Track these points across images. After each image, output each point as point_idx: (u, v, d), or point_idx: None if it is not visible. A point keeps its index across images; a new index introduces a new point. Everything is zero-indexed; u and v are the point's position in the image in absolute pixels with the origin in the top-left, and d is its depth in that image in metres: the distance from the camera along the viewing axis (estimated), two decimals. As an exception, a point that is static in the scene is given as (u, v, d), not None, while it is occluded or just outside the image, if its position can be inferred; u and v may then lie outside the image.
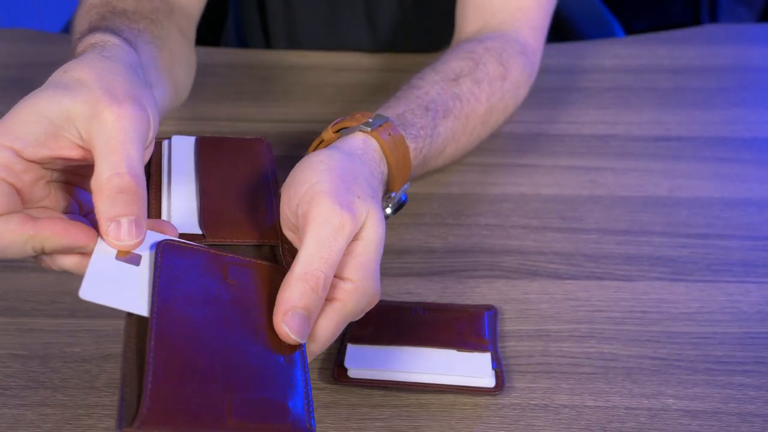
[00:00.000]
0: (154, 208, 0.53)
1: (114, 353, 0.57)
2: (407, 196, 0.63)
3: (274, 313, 0.46)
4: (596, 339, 0.58)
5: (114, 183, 0.44)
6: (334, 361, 0.55)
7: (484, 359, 0.55)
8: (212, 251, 0.49)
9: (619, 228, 0.68)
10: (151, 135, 0.48)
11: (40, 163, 0.46)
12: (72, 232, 0.45)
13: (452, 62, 0.70)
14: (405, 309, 0.59)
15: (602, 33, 1.11)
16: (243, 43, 1.07)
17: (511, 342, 0.58)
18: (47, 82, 0.48)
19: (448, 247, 0.66)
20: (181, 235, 0.50)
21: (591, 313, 0.60)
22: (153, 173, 0.56)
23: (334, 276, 0.48)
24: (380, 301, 0.51)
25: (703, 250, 0.66)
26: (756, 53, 0.95)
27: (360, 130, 0.58)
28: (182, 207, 0.53)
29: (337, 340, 0.52)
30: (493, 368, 0.54)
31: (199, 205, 0.54)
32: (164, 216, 0.53)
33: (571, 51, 0.94)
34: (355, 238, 0.49)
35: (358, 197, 0.50)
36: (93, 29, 0.58)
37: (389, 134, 0.58)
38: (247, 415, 0.41)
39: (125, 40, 0.57)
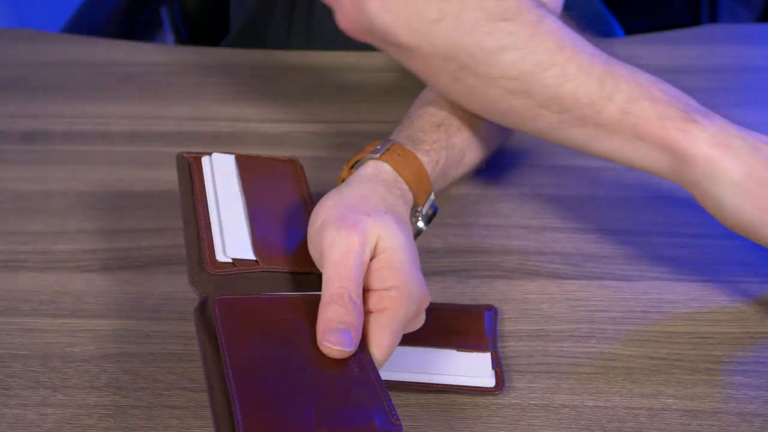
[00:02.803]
0: (204, 228, 0.56)
1: (114, 353, 0.57)
2: (437, 207, 0.64)
3: (317, 340, 0.48)
4: (596, 339, 0.58)
5: None
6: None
7: (484, 359, 0.55)
8: (262, 296, 0.51)
9: (619, 228, 0.68)
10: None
11: None
12: None
13: None
14: (405, 309, 0.59)
15: (602, 33, 1.11)
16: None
17: (511, 342, 0.58)
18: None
19: (448, 247, 0.66)
20: (235, 260, 0.54)
21: (591, 313, 0.60)
22: (197, 191, 0.58)
23: (379, 290, 0.50)
24: None
25: (703, 250, 0.66)
26: (756, 53, 0.95)
27: (370, 159, 0.59)
28: (234, 230, 0.56)
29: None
30: (493, 368, 0.54)
31: (250, 230, 0.56)
32: (216, 238, 0.55)
33: (571, 51, 0.94)
34: (377, 253, 0.51)
35: (367, 215, 0.52)
36: None
37: (398, 154, 0.60)
38: (336, 425, 0.43)
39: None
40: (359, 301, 0.49)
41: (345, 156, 0.76)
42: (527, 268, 0.64)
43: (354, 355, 0.48)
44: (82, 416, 0.52)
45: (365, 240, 0.50)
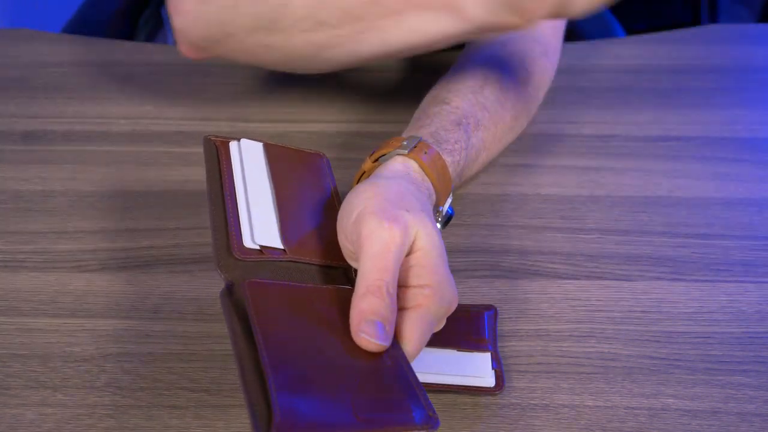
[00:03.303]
0: (232, 213, 0.55)
1: (114, 353, 0.57)
2: (453, 209, 0.64)
3: (351, 331, 0.48)
4: (596, 339, 0.58)
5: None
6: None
7: (484, 359, 0.55)
8: (292, 284, 0.51)
9: (619, 228, 0.68)
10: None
11: None
12: None
13: (478, 70, 0.71)
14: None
15: (602, 33, 1.11)
16: None
17: (511, 342, 0.58)
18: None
19: (449, 247, 0.66)
20: (263, 247, 0.53)
21: (591, 313, 0.60)
22: (225, 175, 0.57)
23: (413, 286, 0.50)
24: None
25: (702, 250, 0.66)
26: (756, 53, 0.95)
27: (398, 155, 0.59)
28: (262, 217, 0.55)
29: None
30: (493, 368, 0.54)
31: (278, 219, 0.55)
32: (245, 224, 0.54)
33: (571, 51, 0.94)
34: (413, 250, 0.51)
35: (407, 211, 0.51)
36: None
37: (425, 152, 0.60)
38: (373, 411, 0.43)
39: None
40: (395, 297, 0.48)
41: (345, 156, 0.76)
42: (527, 268, 0.64)
43: (387, 349, 0.47)
44: (82, 416, 0.52)
45: (407, 235, 0.50)
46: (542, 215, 0.70)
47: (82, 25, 1.12)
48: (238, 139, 0.60)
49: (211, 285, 0.62)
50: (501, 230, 0.68)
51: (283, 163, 0.60)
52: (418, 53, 0.64)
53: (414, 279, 0.50)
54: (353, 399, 0.43)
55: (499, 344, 0.57)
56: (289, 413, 0.41)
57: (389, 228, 0.49)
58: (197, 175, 0.73)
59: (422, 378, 0.53)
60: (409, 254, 0.51)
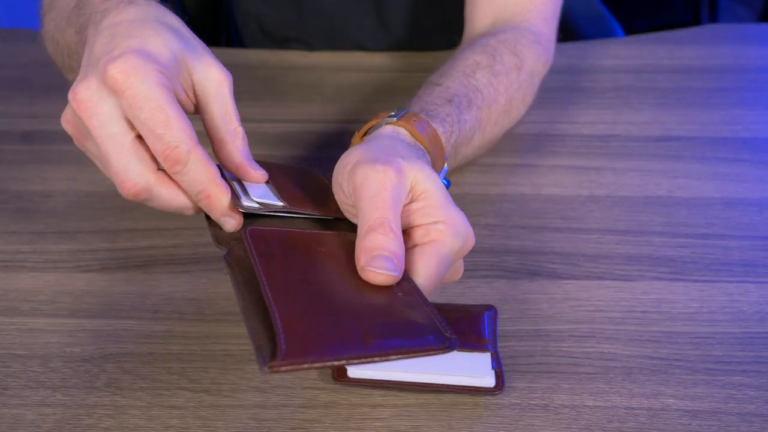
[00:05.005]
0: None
1: (114, 353, 0.57)
2: (449, 181, 0.63)
3: (357, 267, 0.47)
4: (596, 339, 0.58)
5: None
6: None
7: (484, 359, 0.55)
8: (293, 230, 0.50)
9: (619, 228, 0.68)
10: None
11: None
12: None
13: (468, 57, 0.71)
14: (405, 309, 0.59)
15: (602, 33, 1.11)
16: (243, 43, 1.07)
17: (511, 342, 0.58)
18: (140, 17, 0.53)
19: (448, 247, 0.66)
20: (261, 203, 0.53)
21: (591, 313, 0.60)
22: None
23: (425, 224, 0.49)
24: None
25: (702, 250, 0.66)
26: (756, 53, 0.95)
27: (386, 123, 0.59)
28: (257, 186, 0.55)
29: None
30: (493, 368, 0.54)
31: (273, 187, 0.55)
32: (239, 191, 0.54)
33: (571, 51, 0.94)
34: (415, 195, 0.50)
35: (402, 158, 0.51)
36: None
37: (414, 120, 0.59)
38: (385, 335, 0.41)
39: None
40: (399, 232, 0.47)
41: (345, 156, 0.76)
42: (527, 268, 0.64)
43: (397, 283, 0.46)
44: (81, 416, 0.52)
45: (402, 176, 0.49)
46: (542, 215, 0.70)
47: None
48: None
49: (211, 285, 0.62)
50: (501, 230, 0.68)
51: (270, 163, 0.60)
52: None
53: (424, 218, 0.49)
54: (363, 326, 0.41)
55: (499, 344, 0.57)
56: (293, 343, 0.40)
57: (383, 170, 0.49)
58: (197, 175, 0.73)
59: (422, 378, 0.53)
60: (412, 200, 0.50)
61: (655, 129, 0.81)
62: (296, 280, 0.45)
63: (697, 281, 0.63)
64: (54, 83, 0.89)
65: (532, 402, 0.53)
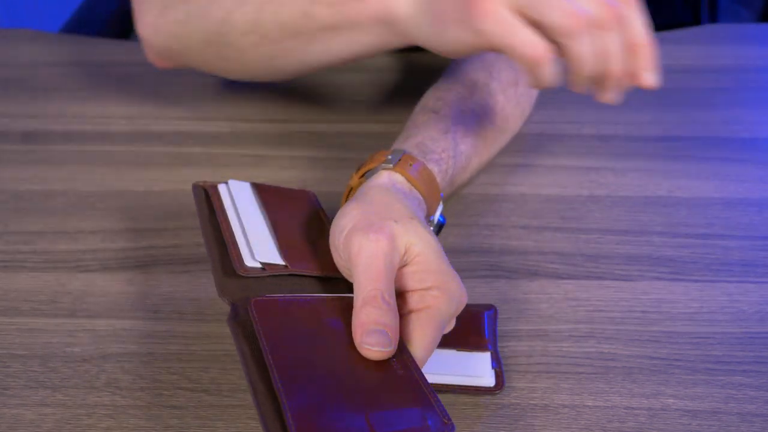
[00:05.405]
0: (230, 240, 0.56)
1: (114, 353, 0.57)
2: (444, 218, 0.64)
3: (355, 343, 0.48)
4: (596, 339, 0.58)
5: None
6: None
7: (483, 359, 0.55)
8: (297, 297, 0.52)
9: (619, 228, 0.68)
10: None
11: None
12: None
13: (466, 75, 0.71)
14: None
15: (602, 33, 1.10)
16: None
17: (510, 342, 0.58)
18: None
19: (448, 247, 0.66)
20: (264, 264, 0.54)
21: (591, 313, 0.60)
22: (218, 210, 0.59)
23: (420, 289, 0.50)
24: None
25: (702, 250, 0.66)
26: (756, 53, 0.95)
27: (383, 169, 0.59)
28: (259, 239, 0.56)
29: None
30: (492, 368, 0.54)
31: (275, 239, 0.57)
32: (243, 247, 0.55)
33: (571, 51, 0.94)
34: (410, 258, 0.51)
35: (395, 221, 0.52)
36: None
37: (410, 165, 0.60)
38: (388, 425, 0.43)
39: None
40: (393, 302, 0.49)
41: (345, 156, 0.76)
42: (527, 268, 0.64)
43: (395, 355, 0.47)
44: (81, 416, 0.52)
45: (394, 243, 0.50)
46: (542, 215, 0.70)
47: (81, 25, 1.12)
48: (226, 182, 0.62)
49: (211, 285, 0.62)
50: (501, 230, 0.68)
51: (272, 196, 0.62)
52: (376, 56, 0.67)
53: (418, 283, 0.51)
54: (368, 414, 0.43)
55: (498, 344, 0.57)
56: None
57: (375, 239, 0.50)
58: (197, 175, 0.73)
59: (422, 378, 0.53)
60: (407, 264, 0.51)
61: (655, 129, 0.81)
62: (303, 360, 0.46)
63: (697, 281, 0.63)
64: (54, 83, 0.89)
65: (532, 402, 0.53)
